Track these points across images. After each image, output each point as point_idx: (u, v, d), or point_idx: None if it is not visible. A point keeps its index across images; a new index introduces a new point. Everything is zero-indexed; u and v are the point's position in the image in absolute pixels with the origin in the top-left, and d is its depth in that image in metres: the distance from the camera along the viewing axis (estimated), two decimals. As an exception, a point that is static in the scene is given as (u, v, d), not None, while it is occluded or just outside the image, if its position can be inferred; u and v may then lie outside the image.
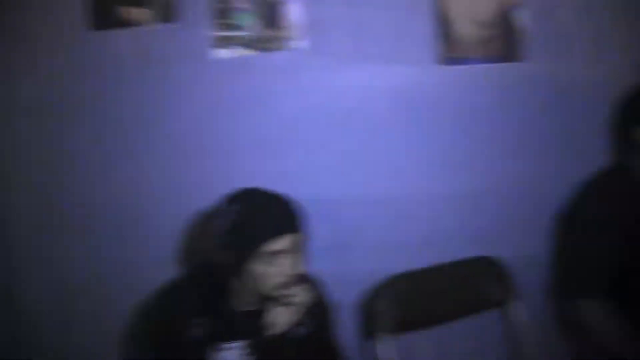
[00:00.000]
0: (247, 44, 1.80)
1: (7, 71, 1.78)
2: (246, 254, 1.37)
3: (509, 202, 1.92)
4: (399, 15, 1.83)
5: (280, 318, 1.40)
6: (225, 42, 1.79)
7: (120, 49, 1.78)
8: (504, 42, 1.88)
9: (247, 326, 1.43)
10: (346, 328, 1.73)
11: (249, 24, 1.80)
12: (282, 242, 1.37)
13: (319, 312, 1.48)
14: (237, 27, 1.79)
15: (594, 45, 1.93)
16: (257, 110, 1.82)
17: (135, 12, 1.78)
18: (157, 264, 1.75)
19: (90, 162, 1.81)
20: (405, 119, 1.87)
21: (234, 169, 1.79)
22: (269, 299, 1.41)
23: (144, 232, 1.81)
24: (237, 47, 1.80)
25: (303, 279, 1.42)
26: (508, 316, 1.77)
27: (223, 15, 1.78)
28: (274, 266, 1.38)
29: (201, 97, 1.81)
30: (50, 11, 1.76)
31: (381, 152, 1.87)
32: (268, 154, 1.82)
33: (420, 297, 1.73)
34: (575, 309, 1.61)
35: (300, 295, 1.40)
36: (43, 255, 1.83)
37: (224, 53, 1.80)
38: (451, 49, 1.85)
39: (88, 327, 1.82)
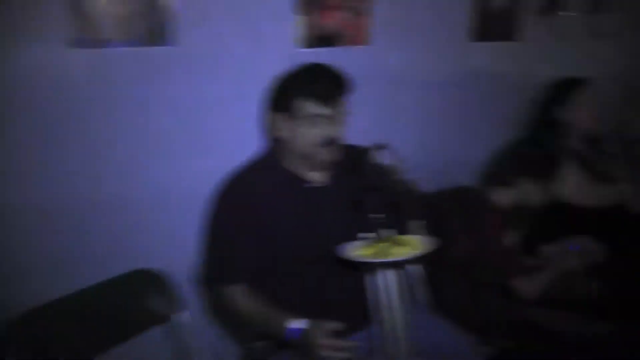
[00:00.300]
0: None
1: None
2: None
3: (162, 209, 1.79)
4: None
5: None
6: None
7: None
8: (147, 23, 1.66)
9: None
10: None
11: None
12: None
13: None
14: None
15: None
16: None
17: None
18: None
19: None
20: (42, 113, 1.58)
21: None
22: None
23: None
24: None
25: None
26: (175, 328, 1.63)
27: None
28: None
29: None
30: None
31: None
32: None
33: (69, 328, 1.47)
34: (220, 297, 1.65)
35: None
36: None
37: None
38: (85, 29, 1.57)
39: None
